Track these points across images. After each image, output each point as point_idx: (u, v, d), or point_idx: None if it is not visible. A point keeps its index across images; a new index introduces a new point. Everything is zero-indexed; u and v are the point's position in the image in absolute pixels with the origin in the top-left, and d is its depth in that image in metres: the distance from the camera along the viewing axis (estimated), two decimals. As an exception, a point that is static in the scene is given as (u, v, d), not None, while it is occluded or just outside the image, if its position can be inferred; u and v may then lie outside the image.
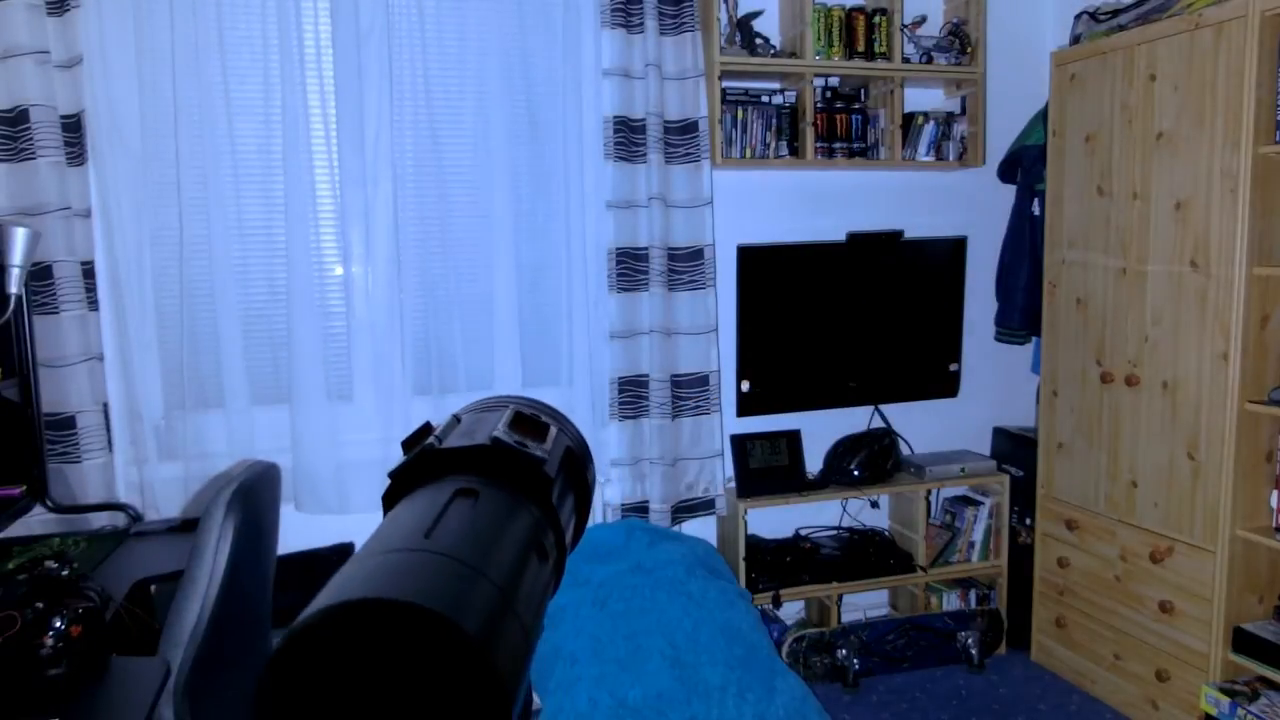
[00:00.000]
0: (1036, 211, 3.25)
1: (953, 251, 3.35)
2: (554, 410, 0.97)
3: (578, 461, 0.96)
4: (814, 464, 3.34)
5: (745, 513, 3.08)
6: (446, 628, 0.63)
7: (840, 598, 3.23)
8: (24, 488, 2.37)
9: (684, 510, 3.09)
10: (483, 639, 0.61)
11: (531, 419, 0.87)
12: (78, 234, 2.50)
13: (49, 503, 2.45)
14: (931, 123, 3.25)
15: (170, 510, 2.68)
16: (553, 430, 0.90)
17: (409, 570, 0.63)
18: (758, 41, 3.05)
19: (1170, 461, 2.66)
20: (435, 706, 0.72)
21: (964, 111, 3.30)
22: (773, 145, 3.09)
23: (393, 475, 0.75)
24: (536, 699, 2.82)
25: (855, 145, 3.17)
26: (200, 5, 2.58)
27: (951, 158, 3.27)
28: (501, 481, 0.77)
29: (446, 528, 0.65)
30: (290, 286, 2.71)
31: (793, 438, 3.22)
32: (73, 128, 2.48)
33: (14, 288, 2.24)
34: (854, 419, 3.44)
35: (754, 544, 3.21)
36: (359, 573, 0.75)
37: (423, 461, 0.74)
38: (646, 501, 3.05)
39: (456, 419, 0.85)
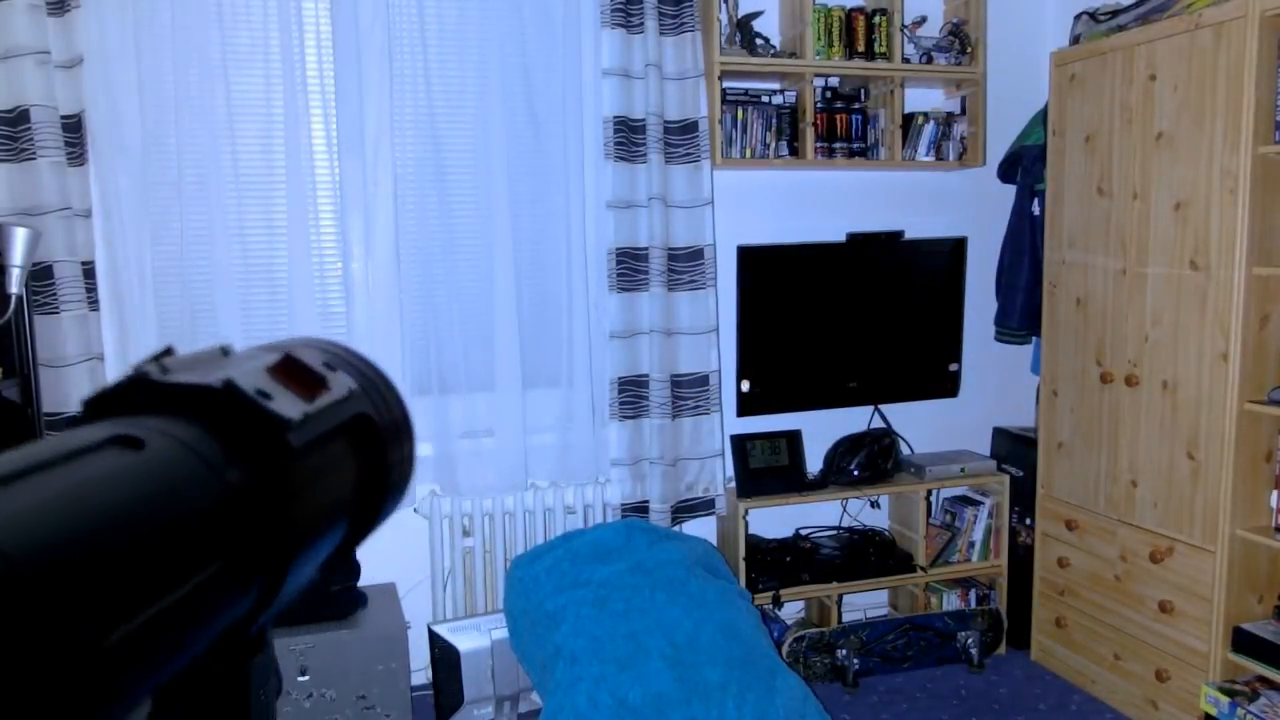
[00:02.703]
0: (1036, 211, 3.25)
1: (953, 251, 3.35)
2: (374, 373, 0.71)
3: (373, 436, 0.68)
4: (814, 464, 3.33)
5: (745, 513, 3.08)
6: None
7: (840, 598, 3.23)
8: (24, 488, 2.37)
9: (684, 510, 3.09)
10: None
11: (304, 369, 0.61)
12: (78, 234, 2.50)
13: (49, 503, 2.44)
14: (931, 123, 3.25)
15: (170, 510, 2.68)
16: (338, 391, 0.63)
17: None
18: (758, 41, 3.05)
19: (1170, 461, 2.66)
20: None
21: (964, 111, 3.30)
22: (773, 145, 3.09)
23: (86, 403, 0.52)
24: (536, 699, 2.82)
25: (855, 145, 3.17)
26: (201, 5, 2.58)
27: (951, 158, 3.27)
28: (221, 440, 0.53)
29: (19, 488, 0.41)
30: (291, 286, 2.71)
31: (793, 438, 3.22)
32: (73, 128, 2.48)
33: (14, 288, 2.25)
34: (854, 419, 3.44)
35: (754, 544, 3.21)
36: None
37: (131, 390, 0.52)
38: (646, 501, 3.05)
39: (225, 352, 0.58)
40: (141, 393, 0.52)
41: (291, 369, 0.60)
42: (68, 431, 0.47)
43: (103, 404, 0.53)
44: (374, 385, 0.69)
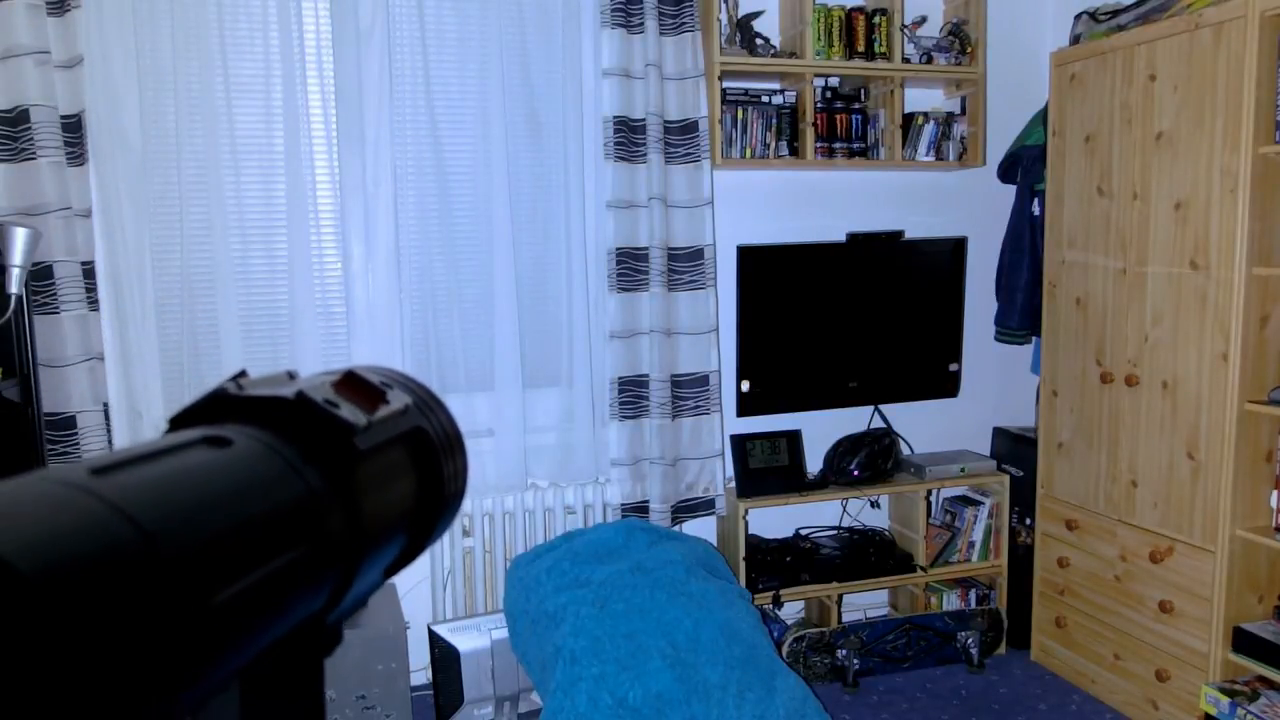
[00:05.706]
0: (1036, 211, 3.25)
1: (953, 251, 3.35)
2: (426, 392, 0.78)
3: (428, 448, 0.74)
4: (814, 464, 3.34)
5: (745, 513, 3.08)
6: None
7: (840, 598, 3.23)
8: (24, 488, 2.37)
9: (684, 510, 3.09)
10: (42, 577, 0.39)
11: (364, 383, 0.69)
12: (78, 234, 2.51)
13: (49, 503, 2.44)
14: (931, 123, 3.25)
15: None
16: (396, 404, 0.71)
17: (16, 502, 0.43)
18: (758, 41, 3.05)
19: (1170, 461, 2.66)
20: None
21: (964, 111, 3.30)
22: (773, 145, 3.09)
23: (173, 420, 0.60)
24: (536, 699, 2.82)
25: (855, 145, 3.17)
26: (200, 5, 2.58)
27: (951, 158, 3.27)
28: (295, 444, 0.60)
29: (137, 471, 0.48)
30: (291, 286, 2.72)
31: (793, 438, 3.22)
32: (73, 128, 2.48)
33: (14, 288, 2.25)
34: (854, 419, 3.44)
35: (754, 544, 3.21)
36: None
37: (210, 406, 0.61)
38: (646, 501, 3.05)
39: (291, 375, 0.67)
40: (221, 407, 0.61)
41: (353, 383, 0.67)
42: (158, 436, 0.56)
43: (186, 418, 0.62)
44: (425, 403, 0.77)
